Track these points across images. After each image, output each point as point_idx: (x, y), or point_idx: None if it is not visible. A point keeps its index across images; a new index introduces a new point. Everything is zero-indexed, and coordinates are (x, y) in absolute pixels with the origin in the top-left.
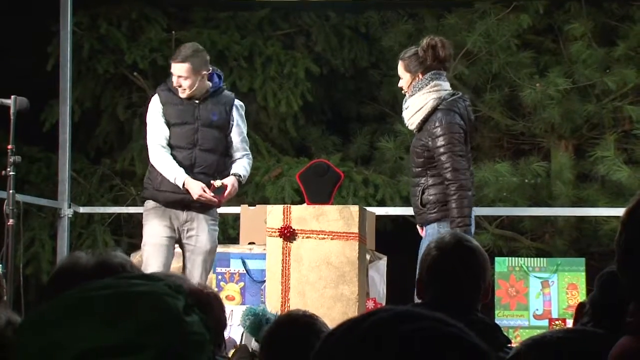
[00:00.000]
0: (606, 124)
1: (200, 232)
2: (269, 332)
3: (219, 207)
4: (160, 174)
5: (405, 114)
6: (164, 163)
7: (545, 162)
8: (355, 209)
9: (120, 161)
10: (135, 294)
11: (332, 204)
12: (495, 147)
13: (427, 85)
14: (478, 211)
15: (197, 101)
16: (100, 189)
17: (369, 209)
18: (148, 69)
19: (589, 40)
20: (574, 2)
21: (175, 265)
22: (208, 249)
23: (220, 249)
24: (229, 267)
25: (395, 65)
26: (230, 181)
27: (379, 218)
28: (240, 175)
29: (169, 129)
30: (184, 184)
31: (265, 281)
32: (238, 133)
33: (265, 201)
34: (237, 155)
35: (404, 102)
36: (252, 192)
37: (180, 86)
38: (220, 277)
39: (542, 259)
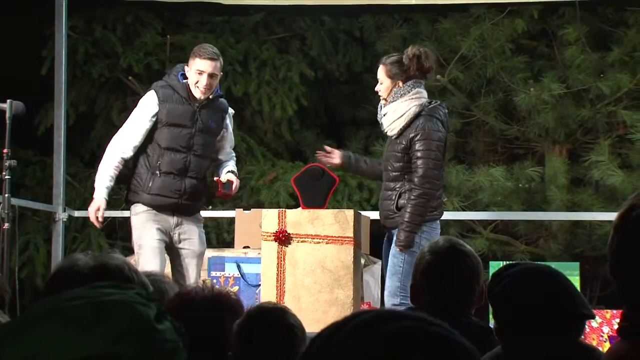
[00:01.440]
0: (600, 128)
1: (193, 235)
2: (239, 325)
3: (228, 197)
4: (150, 176)
5: (385, 120)
6: (105, 168)
7: (539, 166)
8: (350, 213)
9: None
10: (107, 303)
11: (327, 208)
12: (489, 151)
13: (408, 92)
14: (472, 215)
15: (197, 105)
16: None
17: (363, 213)
18: (143, 73)
19: (583, 45)
20: (569, 7)
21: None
22: (201, 252)
23: (215, 252)
24: (223, 271)
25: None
26: (233, 177)
27: (374, 222)
28: (235, 172)
29: (163, 128)
30: (94, 197)
31: (260, 285)
32: (229, 140)
33: (260, 205)
34: (224, 158)
35: (380, 107)
36: (247, 196)
37: (205, 85)
38: (215, 281)
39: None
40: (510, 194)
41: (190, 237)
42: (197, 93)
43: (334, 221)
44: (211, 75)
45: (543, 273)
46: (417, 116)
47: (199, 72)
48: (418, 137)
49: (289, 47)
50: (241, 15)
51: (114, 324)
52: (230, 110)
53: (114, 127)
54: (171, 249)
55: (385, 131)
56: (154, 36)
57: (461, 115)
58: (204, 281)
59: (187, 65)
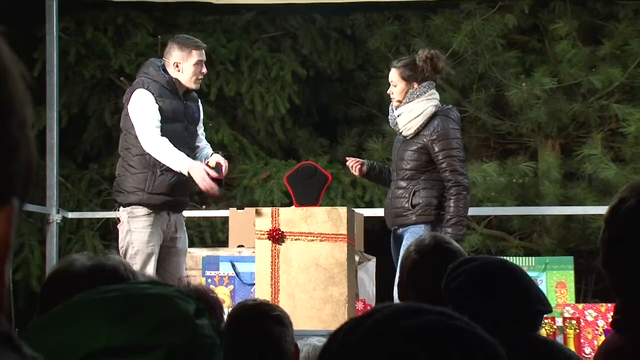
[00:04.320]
0: (592, 122)
1: (181, 232)
2: (226, 325)
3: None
4: (150, 175)
5: (401, 120)
6: (168, 150)
7: (532, 161)
8: (343, 210)
9: (108, 166)
10: (145, 295)
11: (320, 205)
12: (482, 147)
13: (424, 93)
14: None
15: (182, 97)
16: (88, 194)
17: (357, 210)
18: (135, 74)
19: (574, 40)
20: (559, 1)
21: None
22: (186, 249)
23: (210, 252)
24: (218, 270)
25: (382, 67)
26: (220, 159)
27: (368, 219)
28: (219, 152)
29: (161, 124)
30: (188, 171)
31: (254, 284)
32: (201, 126)
33: (254, 204)
34: (201, 144)
35: (392, 109)
36: (240, 195)
37: (204, 72)
38: (209, 280)
39: (530, 258)
40: (503, 189)
41: (180, 235)
42: (195, 84)
43: (327, 219)
44: (204, 63)
45: (499, 269)
46: (433, 116)
47: (199, 63)
48: (437, 137)
49: (280, 45)
50: (232, 14)
51: (152, 314)
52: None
53: (106, 129)
54: (161, 248)
55: (400, 131)
56: (145, 37)
57: None
58: (179, 279)
59: (172, 59)
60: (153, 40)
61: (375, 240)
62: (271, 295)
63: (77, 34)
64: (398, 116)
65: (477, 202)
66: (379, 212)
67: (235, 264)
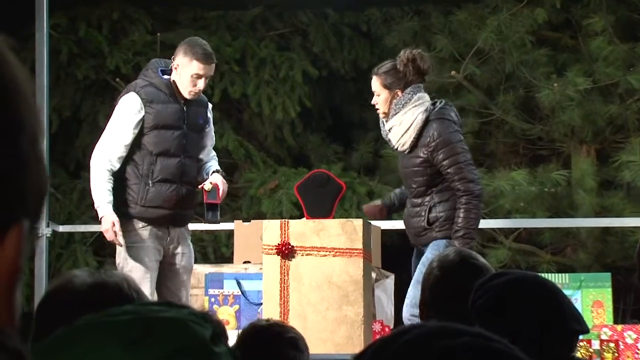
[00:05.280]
0: (631, 126)
1: (185, 248)
2: (235, 348)
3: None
4: (143, 187)
5: (393, 135)
6: (100, 183)
7: (565, 169)
8: (359, 223)
9: None
10: (158, 319)
11: (333, 217)
12: (510, 153)
13: (410, 100)
14: (493, 224)
15: (182, 102)
16: (80, 205)
17: (374, 223)
18: (131, 74)
19: (610, 36)
20: None
21: None
22: (191, 267)
23: (213, 269)
24: (222, 288)
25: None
26: (219, 179)
27: (385, 233)
28: (221, 171)
29: (152, 132)
30: (102, 216)
31: (262, 303)
32: (210, 137)
33: (261, 216)
34: (207, 158)
35: (382, 122)
36: (246, 206)
37: (203, 89)
38: (213, 299)
39: (564, 274)
40: (534, 200)
41: (183, 251)
42: (187, 95)
43: (342, 232)
44: (208, 78)
45: (531, 284)
46: (426, 123)
47: (197, 76)
48: (436, 147)
49: (290, 43)
50: (237, 9)
51: (166, 340)
52: (209, 105)
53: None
54: (162, 265)
55: (396, 147)
56: (142, 34)
57: (478, 115)
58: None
59: (175, 61)
60: (152, 38)
61: (394, 255)
62: (280, 316)
63: (69, 31)
64: (389, 131)
65: (505, 214)
66: (397, 224)
67: (241, 281)
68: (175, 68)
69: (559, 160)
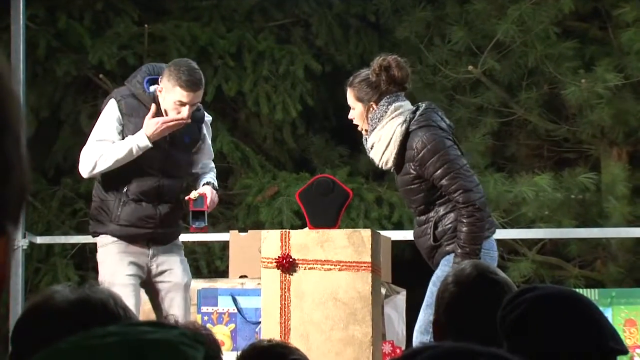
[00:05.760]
0: None
1: (173, 264)
2: None
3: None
4: (118, 203)
5: (374, 154)
6: (108, 149)
7: (594, 173)
8: (367, 233)
9: (85, 181)
10: (147, 342)
11: (339, 227)
12: (533, 156)
13: (385, 112)
14: (514, 234)
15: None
16: (60, 214)
17: (383, 233)
18: (116, 70)
19: None
20: None
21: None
22: (186, 283)
23: (206, 284)
24: (216, 305)
25: (413, 61)
26: (207, 189)
27: (396, 244)
28: (214, 184)
29: None
30: (141, 142)
31: (260, 322)
32: (206, 153)
33: (259, 226)
34: (202, 171)
35: (365, 140)
36: (243, 215)
37: (187, 117)
38: (206, 317)
39: (593, 290)
40: (559, 207)
41: (170, 267)
42: (170, 115)
43: (348, 243)
44: (195, 105)
45: (566, 299)
46: (406, 135)
47: (180, 104)
48: (424, 158)
49: (290, 35)
50: None
51: None
52: (207, 118)
53: (82, 136)
54: (148, 284)
55: (380, 166)
56: (129, 26)
57: (498, 114)
58: (165, 317)
59: (160, 83)
60: (138, 29)
61: (406, 269)
62: (281, 336)
63: (47, 23)
64: (371, 149)
65: (528, 223)
66: (409, 234)
67: (237, 298)
68: (160, 91)
69: (587, 164)
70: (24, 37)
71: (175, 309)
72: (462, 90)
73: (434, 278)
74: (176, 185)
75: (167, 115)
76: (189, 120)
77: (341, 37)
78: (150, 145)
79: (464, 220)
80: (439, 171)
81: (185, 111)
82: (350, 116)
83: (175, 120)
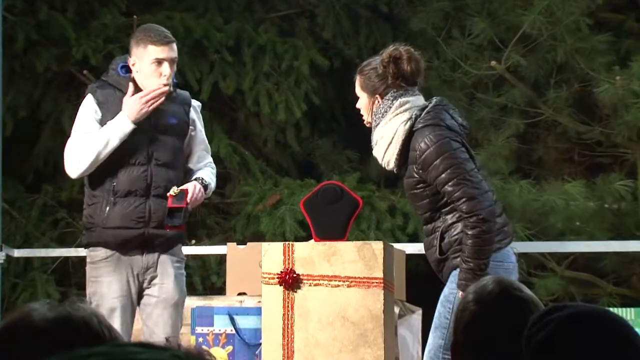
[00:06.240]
0: None
1: (166, 278)
2: None
3: (186, 213)
4: (105, 205)
5: (376, 152)
6: (88, 138)
7: (630, 180)
8: (378, 246)
9: (66, 188)
10: None
11: (347, 240)
12: (563, 161)
13: (390, 108)
14: (542, 247)
15: None
16: (40, 225)
17: (396, 245)
18: (102, 65)
19: None
20: None
21: (136, 326)
22: (176, 300)
23: (201, 302)
24: (212, 326)
25: (429, 55)
26: (190, 185)
27: (411, 258)
28: (203, 179)
29: None
30: (130, 120)
31: (261, 344)
32: (199, 141)
33: (260, 238)
34: (198, 166)
35: (372, 136)
36: (241, 226)
37: (169, 75)
38: (201, 339)
39: (629, 309)
40: (592, 218)
41: (162, 280)
42: (162, 88)
43: (358, 257)
44: (173, 62)
45: (598, 318)
46: (410, 135)
47: (157, 62)
48: (426, 161)
49: (294, 27)
50: None
51: None
52: (195, 102)
53: (65, 138)
54: (140, 298)
55: (383, 167)
56: (116, 17)
57: (524, 114)
58: (167, 339)
59: (131, 58)
60: (126, 21)
61: (421, 285)
62: (283, 359)
63: (26, 14)
64: (375, 145)
65: (557, 235)
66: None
67: (235, 317)
68: (133, 65)
69: (623, 170)
70: (1, 30)
71: (160, 327)
72: (484, 88)
73: (441, 297)
74: (168, 175)
75: (149, 88)
76: (170, 82)
77: (350, 29)
78: (133, 126)
79: (468, 232)
80: (442, 175)
81: (166, 69)
82: (357, 105)
83: (155, 92)
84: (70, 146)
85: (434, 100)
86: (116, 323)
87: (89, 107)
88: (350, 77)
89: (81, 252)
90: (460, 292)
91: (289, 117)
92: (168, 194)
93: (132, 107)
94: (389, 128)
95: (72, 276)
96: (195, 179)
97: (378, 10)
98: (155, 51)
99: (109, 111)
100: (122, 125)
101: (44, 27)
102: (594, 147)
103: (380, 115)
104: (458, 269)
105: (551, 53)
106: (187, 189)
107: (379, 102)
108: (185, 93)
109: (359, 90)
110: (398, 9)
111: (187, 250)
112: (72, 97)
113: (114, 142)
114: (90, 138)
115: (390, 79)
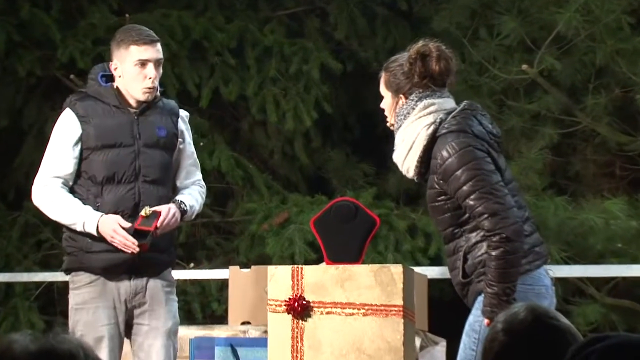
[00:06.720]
0: None
1: (156, 305)
2: None
3: (153, 236)
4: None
5: (396, 158)
6: (58, 201)
7: None
8: (397, 270)
9: None
10: None
11: (363, 263)
12: (602, 175)
13: (413, 109)
14: (580, 271)
15: (134, 111)
16: (22, 246)
17: (417, 269)
18: (91, 70)
19: None
20: None
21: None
22: (169, 328)
23: (201, 331)
24: (213, 358)
25: (454, 56)
26: (165, 207)
27: (433, 283)
28: (182, 202)
29: (94, 155)
30: (97, 227)
31: None
32: (188, 154)
33: (266, 261)
34: (184, 183)
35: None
36: (245, 247)
37: (154, 77)
38: None
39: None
40: (635, 238)
41: (152, 307)
42: (142, 94)
43: (375, 282)
44: (158, 63)
45: None
46: (432, 141)
47: (140, 63)
48: (447, 171)
49: (303, 27)
50: None
51: None
52: (183, 113)
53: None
54: (129, 327)
55: (404, 174)
56: (106, 15)
57: (559, 123)
58: None
59: (113, 63)
60: (118, 20)
61: (445, 313)
62: None
63: (7, 12)
64: (395, 149)
65: (597, 258)
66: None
67: (238, 349)
68: (115, 69)
69: None
70: None
71: (153, 358)
72: (515, 94)
73: (466, 326)
74: (158, 192)
75: (132, 96)
76: (156, 84)
77: (365, 29)
78: (94, 233)
79: (492, 254)
80: (463, 187)
81: (150, 71)
82: (381, 105)
83: (128, 244)
84: (38, 189)
85: (463, 104)
86: (103, 354)
87: (65, 127)
88: (365, 82)
89: (66, 277)
90: (486, 320)
91: (298, 126)
92: (140, 214)
93: (104, 226)
94: (410, 131)
95: (57, 303)
96: (174, 202)
97: (396, 7)
98: (138, 52)
99: (91, 125)
100: (87, 225)
101: (26, 27)
102: (637, 159)
103: (403, 117)
104: (482, 294)
105: (589, 55)
106: (160, 212)
107: (402, 102)
108: (172, 102)
109: (383, 89)
110: (418, 6)
111: (185, 274)
112: (57, 105)
113: (75, 226)
114: (55, 202)
115: (416, 78)
